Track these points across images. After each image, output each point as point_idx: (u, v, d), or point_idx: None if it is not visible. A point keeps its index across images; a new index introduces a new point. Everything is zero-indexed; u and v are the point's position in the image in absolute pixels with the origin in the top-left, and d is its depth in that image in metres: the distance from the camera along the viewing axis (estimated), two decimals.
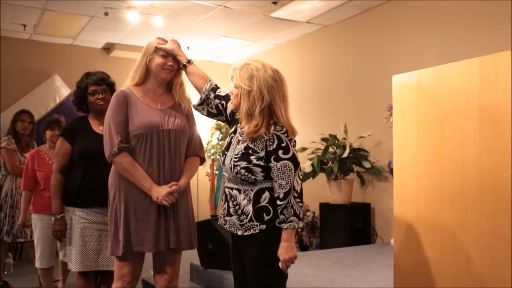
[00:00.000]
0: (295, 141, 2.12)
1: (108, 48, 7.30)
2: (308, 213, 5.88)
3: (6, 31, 6.44)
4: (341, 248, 4.86)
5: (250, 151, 2.08)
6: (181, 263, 2.52)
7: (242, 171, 2.07)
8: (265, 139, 2.06)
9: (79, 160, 2.80)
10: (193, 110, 2.50)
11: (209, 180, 7.60)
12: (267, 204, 2.07)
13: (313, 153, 5.55)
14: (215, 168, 7.51)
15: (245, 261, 2.15)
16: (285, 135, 2.07)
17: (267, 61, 2.19)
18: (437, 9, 4.91)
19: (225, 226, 2.21)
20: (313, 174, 5.37)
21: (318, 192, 5.81)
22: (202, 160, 2.56)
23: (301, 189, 2.08)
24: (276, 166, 2.04)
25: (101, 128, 2.80)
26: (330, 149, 5.47)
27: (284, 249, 2.02)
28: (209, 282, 3.78)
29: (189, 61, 2.44)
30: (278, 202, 2.04)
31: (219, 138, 7.53)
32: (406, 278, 2.38)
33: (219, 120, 2.41)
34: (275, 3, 5.42)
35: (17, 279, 4.52)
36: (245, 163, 2.07)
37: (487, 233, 2.00)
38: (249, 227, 2.09)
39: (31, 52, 6.85)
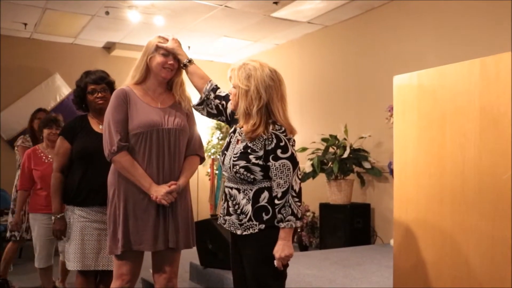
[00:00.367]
0: (294, 141, 2.12)
1: (109, 47, 7.31)
2: (308, 213, 5.88)
3: (7, 30, 6.45)
4: (341, 249, 4.86)
5: (249, 150, 2.08)
6: (180, 263, 2.52)
7: (241, 170, 2.07)
8: (264, 138, 2.06)
9: (79, 159, 2.80)
10: (193, 109, 2.50)
11: (209, 179, 7.60)
12: (266, 204, 2.07)
13: (313, 153, 5.55)
14: (215, 167, 7.51)
15: (244, 261, 2.14)
16: (284, 134, 2.07)
17: (268, 61, 2.19)
18: (438, 10, 4.90)
19: (225, 226, 2.21)
20: (313, 174, 5.37)
21: (318, 192, 5.81)
22: (202, 160, 2.56)
23: (300, 188, 2.08)
24: (275, 165, 2.04)
25: (100, 127, 2.80)
26: (331, 150, 5.47)
27: (281, 247, 2.02)
28: (208, 281, 3.77)
29: (190, 61, 2.43)
30: (276, 201, 2.04)
31: (219, 137, 7.54)
32: (405, 279, 2.37)
33: (219, 120, 2.41)
34: (276, 3, 5.42)
35: (17, 278, 4.52)
36: (244, 162, 2.07)
37: (487, 234, 1.99)
38: (248, 227, 2.08)
39: (31, 51, 6.86)
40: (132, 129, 2.33)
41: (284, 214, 2.03)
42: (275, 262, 2.03)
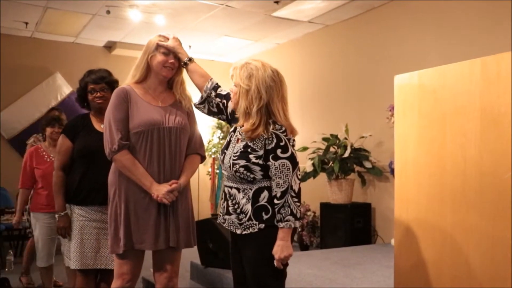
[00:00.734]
0: (294, 141, 2.12)
1: (109, 46, 7.31)
2: (308, 213, 5.88)
3: (8, 29, 6.45)
4: (342, 248, 4.86)
5: (249, 150, 2.08)
6: (181, 262, 2.52)
7: (241, 169, 2.07)
8: (264, 137, 2.06)
9: (80, 158, 2.80)
10: (194, 108, 2.50)
11: (210, 179, 7.60)
12: (266, 203, 2.07)
13: (314, 152, 5.55)
14: (216, 167, 7.52)
15: (244, 260, 2.14)
16: (284, 134, 2.07)
17: (269, 60, 2.19)
18: (438, 9, 4.90)
19: (224, 225, 2.21)
20: (314, 173, 5.37)
21: (319, 192, 5.81)
22: (203, 158, 2.56)
23: (299, 188, 2.07)
24: (274, 165, 2.04)
25: (102, 126, 2.80)
26: (331, 149, 5.46)
27: (280, 248, 2.02)
28: (209, 281, 3.77)
29: (190, 59, 2.43)
30: (276, 201, 2.04)
31: (220, 137, 7.54)
32: (406, 279, 2.37)
33: (219, 119, 2.41)
34: (277, 2, 5.41)
35: (18, 277, 4.52)
36: (244, 161, 2.07)
37: (487, 234, 1.99)
38: (248, 226, 2.08)
39: (33, 50, 6.86)
40: (133, 128, 2.32)
41: (283, 214, 2.02)
42: (275, 263, 2.03)
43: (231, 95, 2.21)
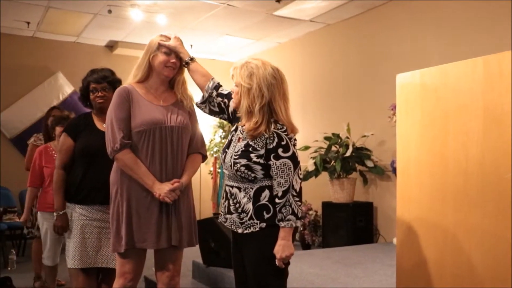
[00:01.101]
0: (295, 140, 2.12)
1: (111, 46, 7.31)
2: (310, 212, 5.88)
3: (10, 28, 6.46)
4: (343, 247, 4.86)
5: (250, 149, 2.08)
6: (183, 261, 2.52)
7: (242, 168, 2.07)
8: (265, 137, 2.06)
9: (81, 157, 2.80)
10: (195, 107, 2.50)
11: (212, 178, 7.60)
12: (267, 202, 2.07)
13: (316, 151, 5.54)
14: (217, 166, 7.52)
15: (245, 259, 2.14)
16: (286, 133, 2.06)
17: (270, 59, 2.19)
18: (439, 8, 4.89)
19: (226, 224, 2.21)
20: (315, 173, 5.37)
21: (321, 191, 5.81)
22: (204, 158, 2.56)
23: (301, 188, 2.07)
24: (276, 164, 2.04)
25: (104, 125, 2.80)
26: (333, 148, 5.46)
27: (281, 248, 2.02)
28: (211, 280, 3.78)
29: (191, 59, 2.43)
30: (277, 200, 2.04)
31: (222, 136, 7.54)
32: (408, 277, 2.37)
33: (221, 118, 2.41)
34: (278, 1, 5.41)
35: (20, 276, 4.53)
36: (245, 160, 2.07)
37: (489, 233, 1.99)
38: (249, 225, 2.08)
39: (34, 49, 6.87)
40: (135, 127, 2.33)
41: (285, 214, 2.02)
42: (276, 262, 2.03)
43: (233, 95, 2.21)
